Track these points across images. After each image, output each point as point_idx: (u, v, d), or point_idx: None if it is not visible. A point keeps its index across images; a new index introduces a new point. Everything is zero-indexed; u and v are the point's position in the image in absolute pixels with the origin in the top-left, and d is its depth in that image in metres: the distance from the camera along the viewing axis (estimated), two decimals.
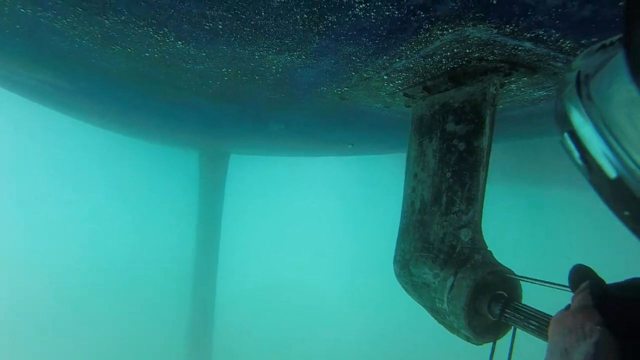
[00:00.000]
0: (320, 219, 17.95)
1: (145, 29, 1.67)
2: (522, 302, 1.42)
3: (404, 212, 1.92)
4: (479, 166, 1.61)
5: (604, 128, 0.55)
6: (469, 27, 1.33)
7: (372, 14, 1.31)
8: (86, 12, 1.60)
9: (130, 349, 11.27)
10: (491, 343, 1.51)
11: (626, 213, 0.54)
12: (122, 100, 3.55)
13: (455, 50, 1.51)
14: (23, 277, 13.10)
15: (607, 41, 0.68)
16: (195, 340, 8.70)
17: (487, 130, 1.60)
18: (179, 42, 1.77)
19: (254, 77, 2.13)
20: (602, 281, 0.84)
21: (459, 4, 1.20)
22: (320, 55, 1.73)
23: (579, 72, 0.64)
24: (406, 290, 1.81)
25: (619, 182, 0.53)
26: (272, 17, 1.41)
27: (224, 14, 1.43)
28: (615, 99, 0.56)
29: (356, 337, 13.46)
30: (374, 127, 3.23)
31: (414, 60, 1.65)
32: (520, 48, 1.44)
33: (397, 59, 1.66)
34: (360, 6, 1.27)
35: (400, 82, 1.92)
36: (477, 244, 1.59)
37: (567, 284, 0.92)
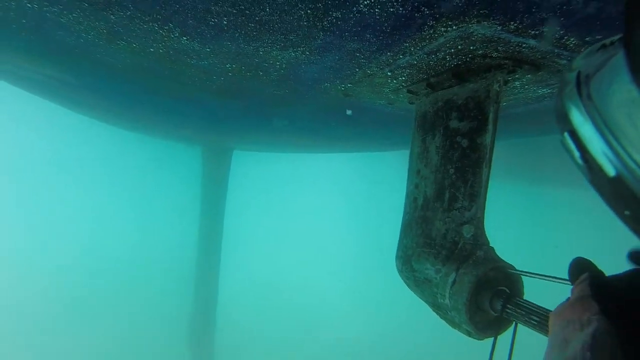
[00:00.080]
0: (323, 216, 17.96)
1: (151, 24, 1.68)
2: (524, 298, 1.43)
3: (406, 208, 1.93)
4: (482, 163, 1.61)
5: (604, 127, 0.56)
6: (473, 24, 1.33)
7: (376, 10, 1.32)
8: (92, 7, 1.61)
9: (131, 345, 11.28)
10: (492, 338, 1.52)
11: (626, 212, 0.55)
12: (127, 96, 3.56)
13: (459, 47, 1.51)
14: (24, 274, 13.08)
15: (608, 41, 0.69)
16: (197, 337, 8.72)
17: (490, 127, 1.61)
18: (184, 38, 1.78)
19: (258, 73, 2.14)
20: (601, 273, 0.85)
21: (463, 0, 1.21)
22: (324, 52, 1.73)
23: (579, 72, 0.65)
24: (408, 285, 1.82)
25: (619, 181, 0.54)
26: (276, 13, 1.42)
27: (229, 9, 1.43)
28: (615, 99, 0.57)
29: (359, 334, 13.48)
30: (378, 123, 3.23)
31: (417, 56, 1.65)
32: (524, 45, 1.44)
33: (401, 55, 1.67)
34: (365, 2, 1.28)
35: (404, 78, 1.92)
36: (479, 240, 1.59)
37: (567, 278, 0.93)
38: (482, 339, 1.53)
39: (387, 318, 13.90)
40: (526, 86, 1.87)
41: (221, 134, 5.58)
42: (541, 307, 1.29)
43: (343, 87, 2.22)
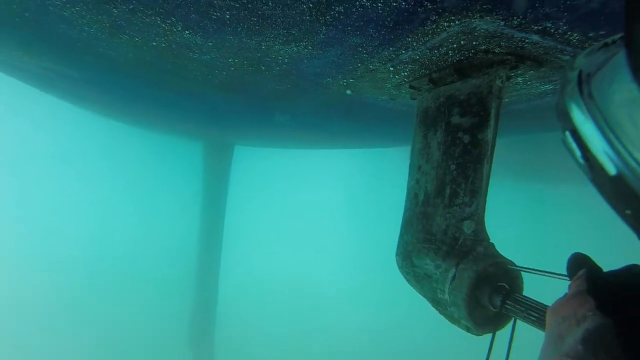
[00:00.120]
0: (325, 212, 17.96)
1: (153, 18, 1.68)
2: (523, 294, 1.43)
3: (407, 204, 1.93)
4: (483, 159, 1.61)
5: (605, 126, 0.56)
6: (476, 19, 1.33)
7: (379, 4, 1.32)
8: (95, 1, 1.61)
9: (131, 341, 11.29)
10: (490, 335, 1.52)
11: (628, 212, 0.55)
12: (128, 90, 3.56)
13: (461, 42, 1.51)
14: (21, 269, 13.00)
15: (609, 40, 0.69)
16: (198, 333, 8.74)
17: (492, 122, 1.61)
18: (186, 32, 1.78)
19: (260, 68, 2.14)
20: (599, 268, 0.85)
21: None
22: (326, 46, 1.73)
23: (580, 71, 0.65)
24: (408, 281, 1.83)
25: (620, 180, 0.54)
26: (279, 7, 1.42)
27: (232, 3, 1.43)
28: (616, 98, 0.57)
29: (359, 331, 13.50)
30: (379, 119, 3.23)
31: (420, 52, 1.65)
32: (527, 41, 1.44)
33: (404, 50, 1.66)
34: None
35: (406, 74, 1.92)
36: (480, 236, 1.60)
37: (565, 274, 0.93)
38: (480, 335, 1.54)
39: (388, 314, 13.93)
40: (528, 82, 1.87)
41: (222, 129, 5.58)
42: (540, 303, 1.30)
43: (345, 82, 2.22)
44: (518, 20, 1.31)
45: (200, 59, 2.12)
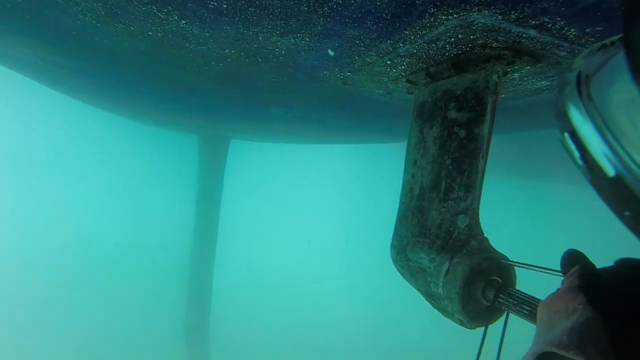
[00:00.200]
0: (320, 207, 17.97)
1: (149, 6, 1.66)
2: (516, 288, 1.44)
3: (402, 198, 1.94)
4: (479, 154, 1.61)
5: (604, 128, 0.56)
6: (474, 12, 1.33)
7: None
8: None
9: (125, 334, 11.24)
10: (483, 328, 1.53)
11: (626, 213, 0.55)
12: (124, 81, 3.53)
13: (459, 36, 1.50)
14: (13, 265, 12.81)
15: (608, 41, 0.69)
16: (192, 328, 8.73)
17: (488, 118, 1.61)
18: (183, 21, 1.77)
19: (257, 59, 2.13)
20: (592, 265, 0.85)
21: None
22: (324, 38, 1.72)
23: (579, 72, 0.65)
24: (402, 274, 1.84)
25: (618, 181, 0.54)
26: None
27: None
28: (615, 99, 0.57)
29: (355, 325, 13.55)
30: (376, 114, 3.22)
31: (417, 45, 1.64)
32: (524, 36, 1.44)
33: (401, 43, 1.66)
34: None
35: (403, 67, 1.92)
36: (474, 231, 1.60)
37: (559, 270, 0.93)
38: (473, 328, 1.55)
39: (383, 308, 13.98)
40: (525, 78, 1.87)
41: (218, 122, 5.55)
42: (532, 296, 1.31)
43: (342, 76, 2.21)
44: (516, 14, 1.30)
45: (196, 49, 2.11)
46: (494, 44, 1.53)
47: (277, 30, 1.70)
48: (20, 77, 4.82)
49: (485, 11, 1.31)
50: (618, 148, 0.54)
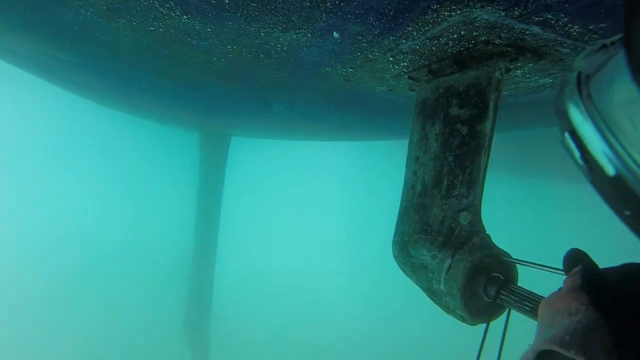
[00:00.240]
0: (322, 204, 17.96)
1: (151, 1, 1.66)
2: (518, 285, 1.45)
3: (404, 195, 1.94)
4: (481, 150, 1.61)
5: (604, 127, 0.56)
6: (477, 8, 1.32)
7: None
8: None
9: (126, 332, 11.22)
10: (484, 325, 1.54)
11: (627, 212, 0.55)
12: (125, 77, 3.53)
13: (462, 32, 1.50)
14: (14, 264, 12.71)
15: (608, 41, 0.69)
16: (193, 325, 8.72)
17: (490, 114, 1.61)
18: (185, 17, 1.76)
19: (259, 55, 2.12)
20: (595, 265, 0.85)
21: None
22: (326, 34, 1.72)
23: (579, 72, 0.65)
24: (404, 271, 1.84)
25: (619, 181, 0.54)
26: None
27: None
28: (615, 99, 0.57)
29: (356, 323, 13.55)
30: (377, 111, 3.22)
31: (420, 41, 1.64)
32: (527, 32, 1.43)
33: (404, 40, 1.65)
34: None
35: (405, 64, 1.91)
36: (476, 227, 1.60)
37: (562, 268, 0.93)
38: (475, 325, 1.55)
39: (385, 305, 13.99)
40: (527, 75, 1.87)
41: (220, 119, 5.55)
42: (534, 293, 1.31)
43: (344, 72, 2.21)
44: (519, 11, 1.30)
45: (198, 45, 2.10)
46: (497, 41, 1.52)
47: (279, 26, 1.70)
48: (20, 72, 4.81)
49: (489, 7, 1.30)
50: (618, 147, 0.54)
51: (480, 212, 1.63)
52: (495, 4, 1.28)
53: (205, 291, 8.56)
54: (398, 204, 1.97)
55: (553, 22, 1.33)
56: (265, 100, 3.52)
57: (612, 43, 0.68)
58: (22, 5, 2.06)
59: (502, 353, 1.41)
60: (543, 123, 3.38)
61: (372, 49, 1.81)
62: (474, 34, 1.50)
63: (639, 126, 0.53)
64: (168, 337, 10.05)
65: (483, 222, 1.64)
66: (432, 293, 1.68)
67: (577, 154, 0.60)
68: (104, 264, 13.42)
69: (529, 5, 1.26)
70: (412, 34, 1.59)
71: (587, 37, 1.40)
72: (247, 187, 16.08)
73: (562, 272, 0.92)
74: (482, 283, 1.47)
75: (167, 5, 1.66)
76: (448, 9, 1.35)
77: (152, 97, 4.35)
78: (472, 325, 1.55)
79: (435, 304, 1.69)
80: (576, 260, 0.87)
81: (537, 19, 1.33)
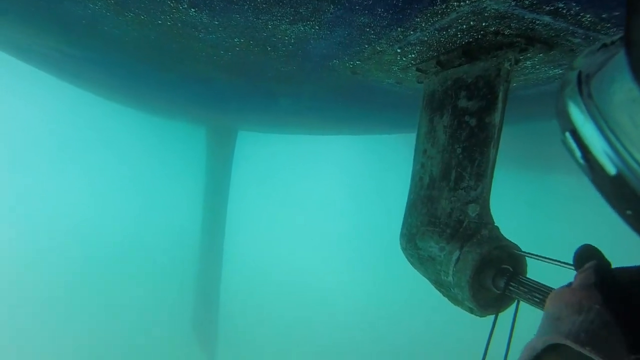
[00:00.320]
0: (329, 200, 17.93)
1: None
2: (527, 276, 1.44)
3: (412, 187, 1.93)
4: (490, 142, 1.60)
5: (605, 126, 0.56)
6: None
7: None
8: None
9: (133, 329, 11.27)
10: (489, 324, 1.53)
11: (628, 212, 0.55)
12: (133, 71, 3.55)
13: (471, 23, 1.49)
14: (18, 259, 12.67)
15: (608, 40, 0.69)
16: (201, 320, 8.78)
17: (499, 106, 1.59)
18: (192, 10, 1.76)
19: (266, 48, 2.12)
20: (608, 263, 0.83)
21: None
22: (334, 26, 1.71)
23: (580, 72, 0.65)
24: (412, 263, 1.84)
25: (620, 180, 0.54)
26: None
27: None
28: (616, 98, 0.57)
29: (363, 320, 13.55)
30: (385, 104, 3.21)
31: (428, 33, 1.63)
32: (538, 22, 1.41)
33: (412, 31, 1.64)
34: None
35: (413, 56, 1.90)
36: (484, 219, 1.60)
37: (572, 264, 0.92)
38: (484, 316, 1.55)
39: (392, 301, 13.97)
40: (537, 66, 1.85)
41: (226, 113, 5.56)
42: (544, 285, 1.30)
43: (351, 65, 2.20)
44: (529, 0, 1.28)
45: (205, 38, 2.11)
46: (507, 31, 1.51)
47: (286, 18, 1.69)
48: (23, 66, 4.80)
49: None
50: (619, 147, 0.54)
51: (489, 204, 1.62)
52: None
53: (213, 288, 8.58)
54: (406, 197, 1.97)
55: (564, 11, 1.31)
56: (272, 94, 3.52)
57: (613, 42, 0.68)
58: (30, 0, 2.08)
59: (511, 345, 1.41)
60: (553, 115, 3.35)
61: (379, 41, 1.80)
62: (483, 24, 1.48)
63: (639, 125, 0.53)
64: (176, 334, 10.12)
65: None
66: (440, 285, 1.68)
67: (578, 153, 0.60)
68: (109, 261, 13.38)
69: None
70: (421, 25, 1.58)
71: (599, 26, 1.38)
72: (255, 182, 16.07)
73: (572, 267, 0.91)
74: (490, 275, 1.47)
75: None
76: None
77: (159, 91, 4.36)
78: (480, 316, 1.55)
79: (444, 296, 1.69)
80: (588, 256, 0.85)
81: (548, 8, 1.31)
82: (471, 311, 1.54)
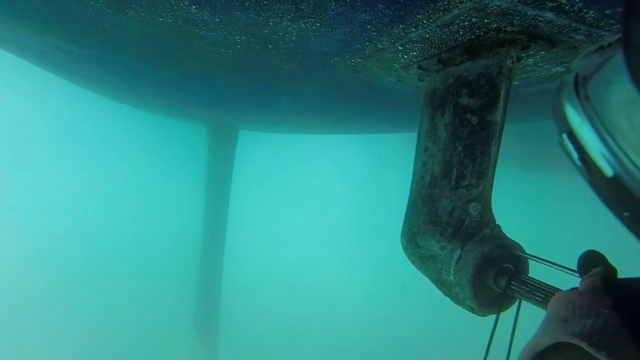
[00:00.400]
0: (331, 197, 17.91)
1: None
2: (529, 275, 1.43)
3: (413, 186, 1.93)
4: (492, 140, 1.59)
5: (602, 128, 0.56)
6: None
7: None
8: None
9: (135, 327, 11.27)
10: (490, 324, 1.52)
11: (625, 214, 0.55)
12: (133, 69, 3.54)
13: (473, 19, 1.48)
14: (19, 258, 12.62)
15: (605, 42, 0.69)
16: (203, 318, 8.78)
17: (501, 104, 1.59)
18: (193, 7, 1.76)
19: (267, 46, 2.11)
20: (615, 270, 0.82)
21: None
22: (335, 23, 1.71)
23: (577, 74, 0.65)
24: (412, 262, 1.83)
25: (617, 182, 0.54)
26: None
27: None
28: (613, 100, 0.57)
29: (366, 317, 13.54)
30: (385, 102, 3.20)
31: (430, 30, 1.62)
32: (540, 19, 1.40)
33: (413, 28, 1.63)
34: None
35: (415, 53, 1.89)
36: (486, 218, 1.59)
37: (575, 269, 0.90)
38: (485, 316, 1.54)
39: (395, 297, 13.95)
40: (539, 64, 1.84)
41: (227, 112, 5.55)
42: (546, 284, 1.30)
43: (352, 62, 2.19)
44: None
45: (206, 36, 2.10)
46: (509, 28, 1.50)
47: (287, 15, 1.68)
48: (20, 62, 4.78)
49: None
50: (616, 148, 0.54)
51: (490, 202, 1.61)
52: None
53: (214, 286, 8.58)
54: (407, 197, 1.96)
55: (567, 7, 1.30)
56: (273, 93, 3.52)
57: (610, 44, 0.68)
58: None
59: (513, 345, 1.40)
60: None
61: (381, 38, 1.80)
62: (485, 21, 1.47)
63: (637, 127, 0.53)
64: (177, 333, 10.12)
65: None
66: (441, 284, 1.67)
67: (575, 155, 0.60)
68: (110, 260, 13.36)
69: None
70: (422, 22, 1.57)
71: (602, 22, 1.37)
72: (256, 180, 16.06)
73: (575, 273, 0.90)
74: (492, 274, 1.46)
75: None
76: None
77: (160, 89, 4.36)
78: (482, 316, 1.54)
79: (445, 295, 1.68)
80: (593, 262, 0.84)
81: (550, 4, 1.30)
82: (472, 310, 1.53)
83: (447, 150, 1.75)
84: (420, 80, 2.08)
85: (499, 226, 1.59)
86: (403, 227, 1.90)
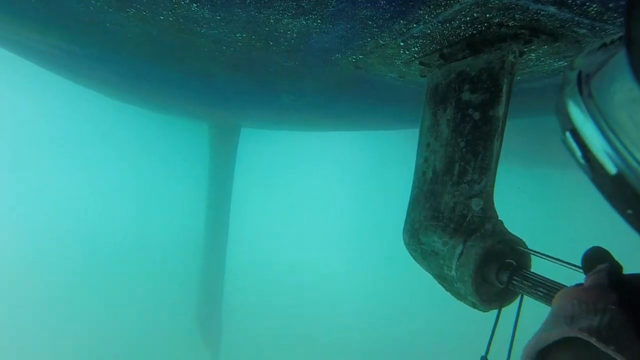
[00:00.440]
0: (334, 196, 17.89)
1: None
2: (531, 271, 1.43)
3: (415, 182, 1.93)
4: (494, 136, 1.59)
5: (605, 126, 0.56)
6: None
7: None
8: None
9: (137, 326, 11.27)
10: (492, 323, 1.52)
11: (629, 211, 0.56)
12: (134, 68, 3.54)
13: (475, 14, 1.47)
14: (20, 258, 12.57)
15: (608, 40, 0.69)
16: (204, 318, 8.79)
17: (503, 99, 1.58)
18: (194, 5, 1.76)
19: (268, 43, 2.11)
20: (621, 266, 0.83)
21: None
22: (336, 20, 1.70)
23: (579, 71, 0.65)
24: (414, 258, 1.83)
25: (620, 179, 0.54)
26: None
27: None
28: (616, 98, 0.57)
29: (368, 317, 13.54)
30: (387, 99, 3.19)
31: (431, 25, 1.61)
32: (542, 13, 1.40)
33: (415, 24, 1.63)
34: None
35: (416, 49, 1.89)
36: (488, 214, 1.59)
37: (579, 265, 0.90)
38: (486, 311, 1.54)
39: (398, 296, 13.95)
40: (542, 58, 1.83)
41: (228, 110, 5.55)
42: (548, 279, 1.30)
43: (354, 59, 2.19)
44: None
45: (207, 33, 2.10)
46: (511, 23, 1.49)
47: (288, 12, 1.68)
48: (24, 63, 4.78)
49: None
50: (619, 146, 0.54)
51: (492, 198, 1.61)
52: None
53: (216, 285, 8.60)
54: (408, 195, 1.96)
55: (570, 1, 1.29)
56: (274, 90, 3.51)
57: (613, 42, 0.68)
58: None
59: (515, 340, 1.40)
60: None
61: (382, 34, 1.79)
62: (487, 15, 1.47)
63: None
64: (179, 332, 10.14)
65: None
66: (443, 280, 1.67)
67: (578, 153, 0.61)
68: (110, 260, 13.31)
69: None
70: (424, 18, 1.56)
71: (605, 16, 1.36)
72: (258, 179, 16.04)
73: (579, 269, 0.90)
74: (494, 269, 1.46)
75: None
76: None
77: (161, 88, 4.36)
78: (483, 311, 1.54)
79: (447, 290, 1.68)
80: (598, 258, 0.84)
81: None
82: (474, 306, 1.53)
83: (449, 145, 1.75)
84: (422, 76, 2.07)
85: (501, 222, 1.59)
86: (405, 223, 1.90)
